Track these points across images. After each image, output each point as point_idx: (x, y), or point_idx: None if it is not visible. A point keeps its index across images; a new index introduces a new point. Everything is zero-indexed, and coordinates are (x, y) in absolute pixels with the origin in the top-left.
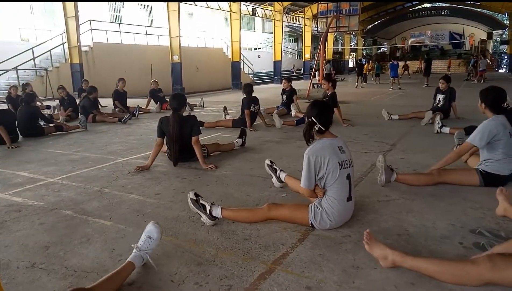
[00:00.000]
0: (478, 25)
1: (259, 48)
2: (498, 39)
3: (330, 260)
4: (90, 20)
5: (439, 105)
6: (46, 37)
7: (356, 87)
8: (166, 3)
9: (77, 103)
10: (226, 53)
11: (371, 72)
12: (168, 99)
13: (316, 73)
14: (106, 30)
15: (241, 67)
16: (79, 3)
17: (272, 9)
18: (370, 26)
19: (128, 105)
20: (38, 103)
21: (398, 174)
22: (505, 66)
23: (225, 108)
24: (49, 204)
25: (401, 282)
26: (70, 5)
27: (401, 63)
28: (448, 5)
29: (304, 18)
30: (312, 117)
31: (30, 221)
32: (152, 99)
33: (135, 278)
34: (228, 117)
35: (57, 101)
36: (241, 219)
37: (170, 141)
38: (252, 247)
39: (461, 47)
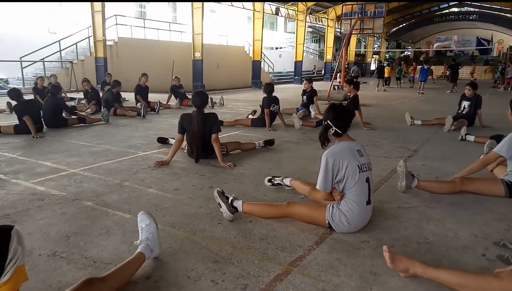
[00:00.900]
0: (508, 31)
1: (280, 48)
2: None
3: (348, 265)
4: (115, 15)
5: (463, 112)
6: (73, 30)
7: (377, 91)
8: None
9: (100, 96)
10: (248, 52)
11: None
12: (188, 96)
13: (338, 75)
14: (130, 25)
15: (262, 66)
16: None
17: (296, 9)
18: (394, 29)
19: (149, 100)
20: (63, 95)
21: (419, 181)
22: None
23: (254, 112)
24: (71, 194)
25: None
26: None
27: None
28: (477, 10)
29: (327, 19)
30: (328, 121)
31: (53, 210)
32: (173, 95)
33: (152, 272)
34: (250, 116)
35: (81, 94)
36: (260, 212)
37: (192, 138)
38: (269, 248)
39: (488, 54)
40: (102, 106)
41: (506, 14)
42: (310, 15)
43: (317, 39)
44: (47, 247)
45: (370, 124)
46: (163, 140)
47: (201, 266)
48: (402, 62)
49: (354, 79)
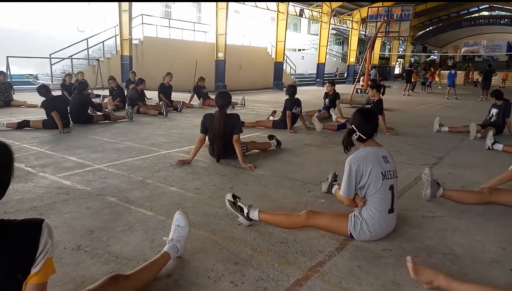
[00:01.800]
0: None
1: (303, 50)
2: None
3: (369, 273)
4: (142, 15)
5: (491, 120)
6: (100, 29)
7: (403, 95)
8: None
9: (125, 94)
10: (270, 53)
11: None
12: (210, 96)
13: (361, 78)
14: (156, 25)
15: (284, 67)
16: None
17: (320, 11)
18: (420, 33)
19: (172, 99)
20: (89, 92)
21: (444, 189)
22: None
23: (274, 112)
24: (95, 189)
25: None
26: None
27: (460, 73)
28: (509, 14)
29: (352, 21)
30: (353, 125)
31: (78, 205)
32: (195, 94)
33: (173, 271)
34: (271, 118)
35: (107, 91)
36: (278, 223)
37: (214, 137)
38: (289, 251)
39: None
40: (126, 104)
41: None
42: (334, 17)
43: (340, 42)
44: (72, 241)
45: (394, 130)
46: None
47: (221, 266)
48: (431, 68)
49: (379, 83)
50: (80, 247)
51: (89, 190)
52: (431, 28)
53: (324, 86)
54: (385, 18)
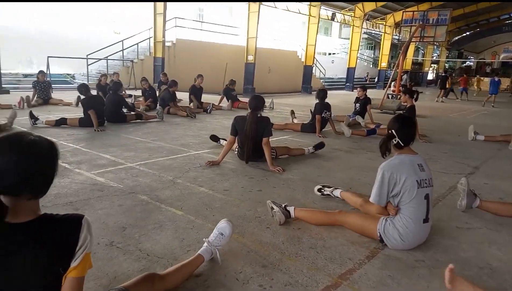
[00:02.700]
0: None
1: (333, 54)
2: None
3: (401, 284)
4: (175, 18)
5: None
6: (135, 31)
7: (436, 101)
8: (248, 4)
9: (157, 95)
10: (300, 57)
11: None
12: (239, 98)
13: (392, 83)
14: (188, 28)
15: (313, 71)
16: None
17: (352, 15)
18: (457, 38)
19: (202, 100)
20: (123, 92)
21: (481, 200)
22: None
23: (292, 112)
24: (127, 187)
25: None
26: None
27: (504, 79)
28: None
29: (385, 25)
30: (393, 130)
31: (111, 201)
32: (225, 97)
33: (202, 271)
34: (295, 121)
35: (139, 91)
36: (311, 218)
37: (244, 139)
38: (318, 257)
39: None
40: (157, 104)
41: None
42: (367, 21)
43: (372, 46)
44: (105, 237)
45: (427, 137)
46: (215, 139)
47: (249, 269)
48: (465, 74)
49: (412, 88)
50: (113, 243)
51: (121, 187)
52: (468, 33)
53: (354, 90)
54: (420, 22)
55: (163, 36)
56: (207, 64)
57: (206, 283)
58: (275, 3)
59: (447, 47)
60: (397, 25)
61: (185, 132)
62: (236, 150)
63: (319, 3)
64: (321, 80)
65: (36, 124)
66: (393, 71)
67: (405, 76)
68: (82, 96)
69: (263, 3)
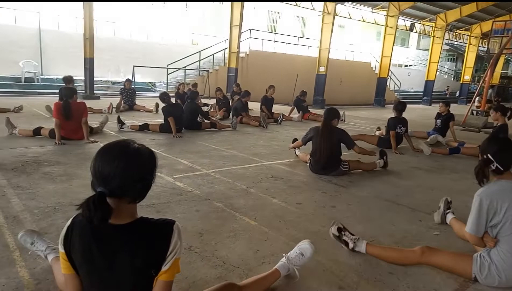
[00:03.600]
0: None
1: (409, 66)
2: None
3: None
4: (250, 29)
5: None
6: (212, 42)
7: None
8: (322, 16)
9: (230, 104)
10: (373, 68)
11: None
12: (310, 110)
13: (477, 98)
14: (262, 39)
15: (388, 84)
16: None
17: (433, 25)
18: None
19: (272, 111)
20: (199, 101)
21: None
22: None
23: (378, 128)
24: (204, 193)
25: None
26: (236, 14)
27: None
28: None
29: (469, 36)
30: (489, 155)
31: (189, 206)
32: (295, 108)
33: (277, 286)
34: (377, 133)
35: (213, 100)
36: (387, 258)
37: (317, 149)
38: (399, 285)
39: None
40: (230, 114)
41: None
42: (450, 32)
43: (454, 58)
44: (184, 240)
45: None
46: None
47: (326, 289)
48: None
49: (500, 104)
50: (191, 247)
51: (198, 193)
52: None
53: (433, 105)
54: None
55: (238, 47)
56: (278, 74)
57: None
58: (350, 13)
59: None
60: (485, 35)
61: (256, 142)
62: (309, 161)
63: (397, 12)
64: (396, 93)
65: (123, 128)
66: (479, 86)
67: (490, 91)
68: (164, 104)
69: (338, 14)
